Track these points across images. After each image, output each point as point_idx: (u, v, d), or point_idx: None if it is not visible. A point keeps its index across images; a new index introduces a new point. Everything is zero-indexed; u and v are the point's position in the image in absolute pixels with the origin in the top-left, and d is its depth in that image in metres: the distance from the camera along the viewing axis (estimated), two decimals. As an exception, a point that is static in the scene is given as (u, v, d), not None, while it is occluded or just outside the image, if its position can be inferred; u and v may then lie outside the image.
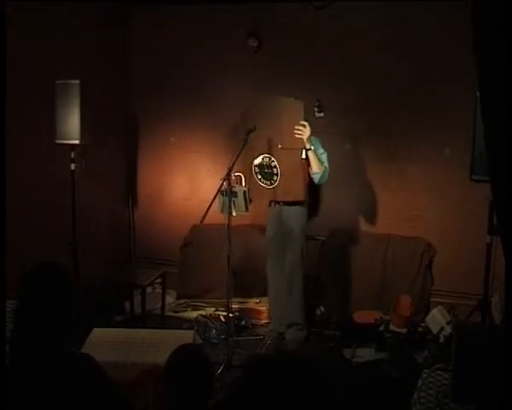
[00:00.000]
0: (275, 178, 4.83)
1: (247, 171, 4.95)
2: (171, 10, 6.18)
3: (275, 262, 5.07)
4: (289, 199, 4.87)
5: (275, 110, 4.81)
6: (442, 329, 4.96)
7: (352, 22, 5.68)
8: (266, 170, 4.87)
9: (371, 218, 5.85)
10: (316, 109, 4.80)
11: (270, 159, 4.84)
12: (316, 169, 4.77)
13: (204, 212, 4.25)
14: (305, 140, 4.67)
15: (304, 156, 4.73)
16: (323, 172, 4.80)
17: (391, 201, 5.76)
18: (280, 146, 4.76)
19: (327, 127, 5.37)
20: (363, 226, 5.87)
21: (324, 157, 4.85)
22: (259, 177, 4.93)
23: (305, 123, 4.64)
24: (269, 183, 4.88)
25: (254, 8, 5.86)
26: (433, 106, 5.53)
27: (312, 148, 4.72)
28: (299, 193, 4.80)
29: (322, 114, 4.82)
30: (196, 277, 6.07)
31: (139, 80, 6.47)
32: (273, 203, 4.99)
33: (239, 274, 5.59)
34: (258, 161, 4.90)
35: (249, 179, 4.94)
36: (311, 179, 4.88)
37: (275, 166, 4.81)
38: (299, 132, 4.65)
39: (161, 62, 6.36)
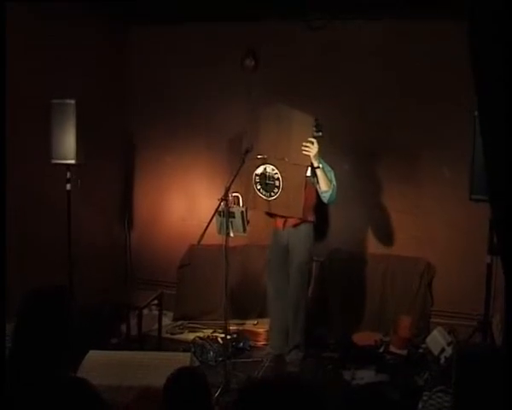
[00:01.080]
0: (275, 190, 4.76)
1: (246, 177, 4.88)
2: (169, 29, 6.20)
3: (279, 288, 5.03)
4: (287, 215, 4.82)
5: (285, 121, 4.72)
6: (443, 350, 4.92)
7: (349, 41, 5.71)
8: (268, 181, 4.79)
9: (370, 238, 5.84)
10: (314, 129, 4.75)
11: (273, 170, 4.77)
12: (325, 187, 4.70)
13: (201, 233, 4.23)
14: (312, 157, 4.61)
15: (309, 174, 4.68)
16: (333, 191, 4.74)
17: (391, 221, 5.76)
18: (286, 160, 4.70)
19: (325, 147, 5.29)
20: (363, 247, 5.85)
21: (332, 175, 4.80)
22: (259, 187, 4.85)
23: (314, 140, 4.60)
24: (268, 195, 4.81)
25: (252, 28, 5.88)
26: (431, 124, 5.54)
27: (321, 166, 4.68)
28: (298, 210, 4.71)
29: (320, 134, 4.76)
30: (193, 298, 6.04)
31: (136, 99, 6.47)
32: (282, 226, 4.92)
33: (237, 295, 5.56)
34: (260, 170, 4.83)
35: (246, 187, 4.88)
36: (317, 199, 4.86)
37: (277, 179, 4.75)
38: (308, 150, 4.59)
39: (159, 81, 6.37)
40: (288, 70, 5.89)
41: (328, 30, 5.71)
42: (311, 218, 4.91)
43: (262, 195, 4.85)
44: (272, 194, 4.79)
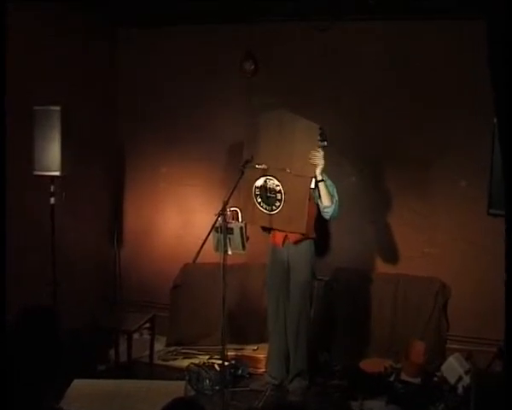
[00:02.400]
0: (277, 204, 4.74)
1: (246, 190, 4.86)
2: (160, 32, 6.22)
3: (279, 309, 5.00)
4: (289, 230, 4.79)
5: (288, 128, 4.70)
6: (460, 379, 4.90)
7: (355, 44, 5.73)
8: (269, 194, 4.77)
9: (379, 256, 5.84)
10: (318, 138, 4.73)
11: (274, 182, 4.75)
12: (327, 202, 4.68)
13: (197, 250, 4.16)
14: (318, 169, 4.59)
15: (313, 186, 4.65)
16: (335, 206, 4.72)
17: (401, 237, 5.75)
18: (289, 170, 4.68)
19: (330, 157, 5.30)
20: (371, 265, 5.85)
21: (334, 190, 4.77)
22: (259, 200, 4.83)
23: (320, 150, 4.58)
24: (269, 208, 4.79)
25: (251, 30, 5.90)
26: (445, 133, 5.54)
27: (325, 179, 4.66)
28: (301, 225, 4.67)
29: (325, 143, 4.75)
30: (188, 321, 6.02)
31: (127, 106, 6.48)
32: (281, 243, 4.89)
33: (235, 318, 5.55)
34: (260, 182, 4.81)
35: (245, 200, 4.86)
36: (318, 215, 4.83)
37: (279, 192, 4.72)
38: (314, 160, 4.58)
39: (151, 87, 6.38)
40: (290, 74, 5.92)
41: (331, 32, 5.72)
42: (313, 234, 4.88)
43: (263, 209, 4.83)
44: (274, 208, 4.77)
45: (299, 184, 4.66)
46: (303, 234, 4.76)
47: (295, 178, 4.66)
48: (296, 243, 4.84)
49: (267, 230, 4.98)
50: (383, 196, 5.78)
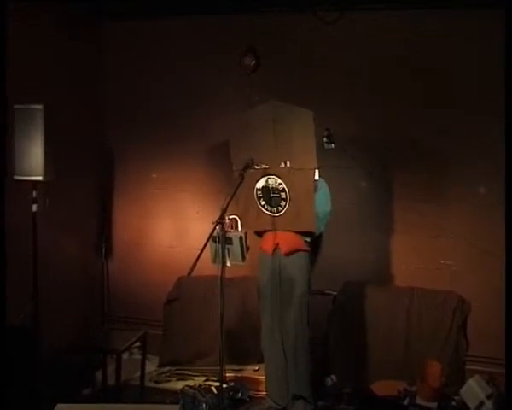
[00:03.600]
0: (282, 204, 4.72)
1: (246, 194, 4.83)
2: (151, 24, 6.23)
3: (273, 323, 4.96)
4: (297, 229, 4.76)
5: (282, 119, 4.67)
6: (481, 404, 4.89)
7: (366, 37, 5.73)
8: (272, 194, 4.74)
9: (391, 268, 5.84)
10: (325, 140, 4.72)
11: (276, 181, 4.72)
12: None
13: (192, 262, 4.06)
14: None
15: (317, 177, 4.63)
16: (324, 219, 4.76)
17: (414, 247, 5.74)
18: (289, 164, 4.64)
19: (338, 161, 5.44)
20: (382, 278, 5.84)
21: (328, 200, 4.81)
22: (263, 203, 4.81)
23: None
24: (274, 210, 4.76)
25: (251, 22, 5.90)
26: (463, 134, 5.53)
27: (321, 185, 4.71)
28: (310, 223, 4.66)
29: (332, 146, 4.75)
30: (183, 340, 6.01)
31: (115, 107, 6.49)
32: (271, 251, 4.87)
33: (234, 336, 5.58)
34: (261, 183, 4.78)
35: (246, 205, 4.83)
36: None
37: (283, 190, 4.70)
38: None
39: (141, 86, 6.39)
40: (294, 70, 5.92)
41: (340, 24, 5.71)
42: (306, 246, 4.87)
43: (267, 211, 4.81)
44: (280, 208, 4.76)
45: (303, 177, 4.64)
46: (298, 245, 4.77)
47: (297, 172, 4.63)
48: (288, 254, 4.83)
49: (260, 233, 4.97)
50: (397, 202, 5.78)
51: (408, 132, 5.70)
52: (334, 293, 5.76)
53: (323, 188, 4.78)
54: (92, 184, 6.44)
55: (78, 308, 6.03)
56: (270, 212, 4.79)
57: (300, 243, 4.79)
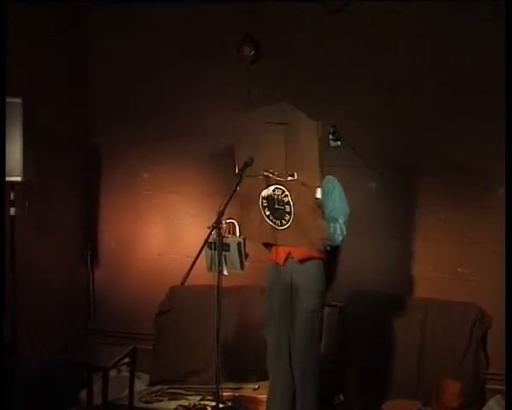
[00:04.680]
0: (286, 217, 4.66)
1: (249, 201, 4.78)
2: (140, 10, 6.19)
3: (281, 342, 4.88)
4: (302, 245, 4.71)
5: (292, 125, 4.58)
6: None
7: (375, 27, 5.71)
8: (277, 205, 4.68)
9: (403, 277, 5.81)
10: (331, 137, 4.70)
11: (282, 192, 4.66)
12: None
13: (186, 270, 4.07)
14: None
15: (319, 196, 4.54)
16: (341, 226, 4.69)
17: (429, 254, 5.73)
18: (296, 177, 4.58)
19: (345, 159, 5.41)
20: (393, 288, 5.80)
21: (345, 203, 4.75)
22: (268, 213, 4.75)
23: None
24: (278, 222, 4.70)
25: (250, 8, 5.88)
26: (483, 132, 5.50)
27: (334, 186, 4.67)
28: (316, 241, 4.61)
29: (338, 143, 4.73)
30: (176, 355, 6.00)
31: (101, 101, 6.48)
32: (283, 261, 4.82)
33: (231, 351, 5.58)
34: (267, 192, 4.72)
35: (248, 214, 4.78)
36: None
37: (287, 203, 4.64)
38: None
39: (130, 78, 6.37)
40: (297, 61, 5.90)
41: (347, 12, 5.68)
42: (322, 253, 4.82)
43: (272, 223, 4.75)
44: (283, 221, 4.69)
45: (307, 193, 4.58)
46: (311, 252, 4.72)
47: (303, 186, 4.58)
48: (301, 261, 4.77)
49: (268, 245, 4.93)
50: (408, 205, 5.75)
51: (424, 132, 5.68)
52: (341, 304, 5.74)
53: (337, 188, 4.74)
54: (76, 185, 6.41)
55: (60, 321, 5.98)
56: (275, 224, 4.73)
57: (315, 242, 4.70)
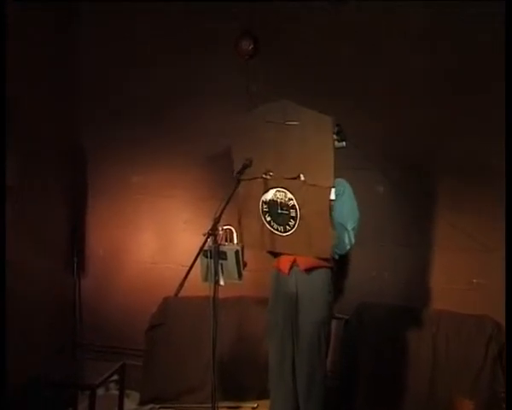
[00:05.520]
0: (291, 223, 4.62)
1: (249, 206, 4.75)
2: (131, 5, 6.19)
3: (285, 358, 4.87)
4: (309, 254, 4.70)
5: (295, 125, 4.54)
6: None
7: (383, 21, 5.69)
8: (281, 210, 4.64)
9: (415, 287, 5.80)
10: (335, 137, 4.64)
11: (286, 195, 4.63)
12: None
13: (180, 280, 4.01)
14: None
15: (333, 197, 4.52)
16: (350, 234, 4.72)
17: (441, 264, 5.72)
18: (303, 178, 4.55)
19: (350, 161, 5.29)
20: (403, 299, 5.80)
21: (355, 207, 4.76)
22: (269, 219, 4.72)
23: None
24: (282, 229, 4.67)
25: (250, 2, 5.90)
26: (497, 132, 5.34)
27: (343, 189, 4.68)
28: (324, 247, 4.57)
29: (343, 144, 4.71)
30: (168, 372, 5.99)
31: (89, 99, 6.49)
32: (287, 270, 4.81)
33: (229, 368, 5.64)
34: (269, 196, 4.69)
35: (247, 220, 4.75)
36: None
37: (293, 207, 4.60)
38: None
39: (120, 75, 6.38)
40: (298, 56, 5.91)
41: (353, 6, 5.72)
42: (330, 262, 4.80)
43: (274, 230, 4.71)
44: (288, 228, 4.65)
45: (317, 195, 4.53)
46: (318, 260, 4.69)
47: (311, 188, 4.53)
48: (307, 270, 4.75)
49: (272, 253, 4.91)
50: (419, 210, 5.74)
51: (433, 131, 5.67)
52: (347, 317, 5.74)
53: (347, 191, 4.72)
54: (62, 189, 6.40)
55: (44, 335, 5.97)
56: (277, 230, 4.69)
57: (324, 251, 4.67)
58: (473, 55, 5.47)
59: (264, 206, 4.69)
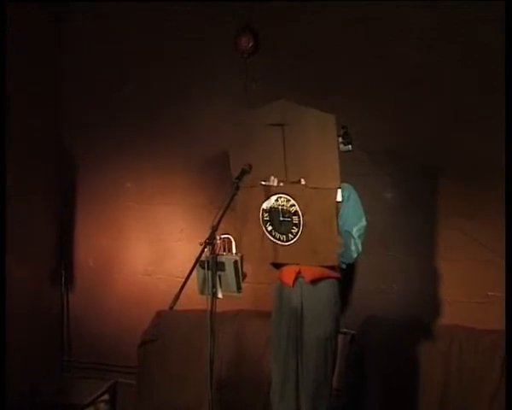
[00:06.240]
0: (294, 230, 4.58)
1: (247, 214, 4.72)
2: (122, 3, 6.21)
3: (288, 376, 4.83)
4: (314, 263, 4.64)
5: (295, 124, 4.52)
6: None
7: (391, 16, 5.68)
8: (282, 218, 4.60)
9: (425, 301, 5.77)
10: (341, 140, 4.63)
11: (288, 201, 4.59)
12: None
13: (175, 293, 3.97)
14: None
15: (340, 199, 4.50)
16: (357, 242, 4.69)
17: (454, 275, 5.67)
18: (304, 182, 4.53)
19: (357, 166, 5.39)
20: (414, 314, 5.76)
21: (362, 214, 4.73)
22: (270, 228, 4.68)
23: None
24: (284, 238, 4.63)
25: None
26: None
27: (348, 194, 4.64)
28: (330, 255, 4.52)
29: (349, 147, 4.69)
30: (163, 391, 5.98)
31: (76, 100, 6.49)
32: (291, 281, 4.77)
33: (228, 385, 5.64)
34: (269, 203, 4.66)
35: (246, 229, 4.72)
36: None
37: (295, 213, 4.56)
38: None
39: (110, 72, 6.40)
40: (300, 53, 5.92)
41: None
42: (337, 272, 4.77)
43: (276, 239, 4.67)
44: (290, 236, 4.60)
45: (321, 198, 4.50)
46: (325, 270, 4.65)
47: (314, 191, 4.50)
48: (313, 281, 4.71)
49: (275, 264, 4.88)
50: (430, 218, 5.71)
51: (447, 133, 5.65)
52: (353, 332, 5.70)
53: (353, 196, 4.68)
54: (50, 195, 6.41)
55: (31, 352, 5.96)
56: (279, 240, 4.65)
57: (330, 258, 4.62)
58: (485, 56, 5.44)
59: (265, 214, 4.65)
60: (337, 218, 4.49)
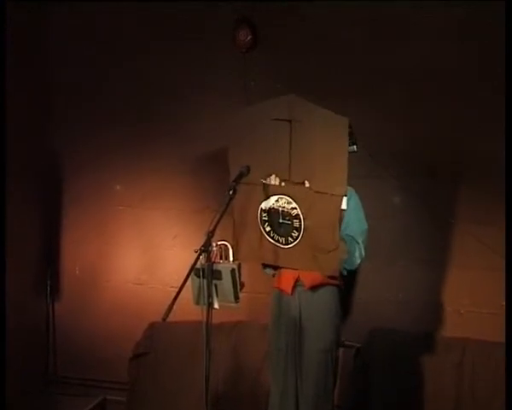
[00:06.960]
0: (294, 234, 4.56)
1: (245, 215, 4.68)
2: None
3: (287, 386, 4.82)
4: (314, 270, 4.63)
5: (304, 122, 4.48)
6: None
7: (389, 13, 5.68)
8: (282, 220, 4.58)
9: (434, 311, 5.79)
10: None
11: (289, 203, 4.56)
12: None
13: (169, 303, 3.94)
14: None
15: (345, 206, 4.47)
16: (359, 248, 4.68)
17: (465, 284, 5.70)
18: (308, 184, 4.50)
19: (362, 168, 5.41)
20: (422, 325, 5.78)
21: (363, 219, 4.73)
22: (268, 229, 4.65)
23: None
24: (283, 241, 4.60)
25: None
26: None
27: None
28: (332, 263, 4.51)
29: (354, 148, 4.69)
30: (155, 407, 5.98)
31: (63, 99, 6.47)
32: (290, 289, 4.77)
33: (225, 401, 5.67)
34: (268, 203, 4.62)
35: (245, 230, 4.69)
36: None
37: (296, 217, 4.54)
38: None
39: (98, 69, 6.39)
40: (302, 49, 5.93)
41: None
42: (338, 279, 4.77)
43: (274, 241, 4.64)
44: (290, 239, 4.58)
45: (325, 204, 4.47)
46: (325, 277, 4.65)
47: (318, 196, 4.48)
48: (313, 288, 4.71)
49: (273, 269, 4.87)
50: (440, 223, 5.71)
51: (458, 134, 5.65)
52: (357, 345, 5.67)
53: (353, 198, 4.66)
54: (34, 198, 6.41)
55: (14, 367, 5.92)
56: (278, 242, 4.62)
57: (331, 265, 4.61)
58: (486, 56, 5.47)
59: (264, 214, 4.62)
60: (340, 225, 4.48)
